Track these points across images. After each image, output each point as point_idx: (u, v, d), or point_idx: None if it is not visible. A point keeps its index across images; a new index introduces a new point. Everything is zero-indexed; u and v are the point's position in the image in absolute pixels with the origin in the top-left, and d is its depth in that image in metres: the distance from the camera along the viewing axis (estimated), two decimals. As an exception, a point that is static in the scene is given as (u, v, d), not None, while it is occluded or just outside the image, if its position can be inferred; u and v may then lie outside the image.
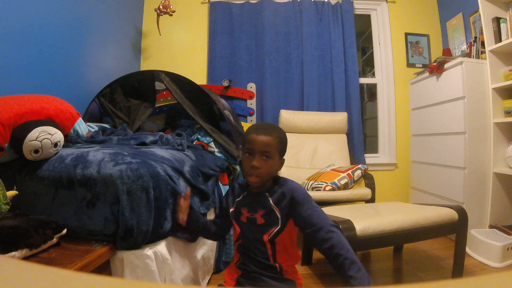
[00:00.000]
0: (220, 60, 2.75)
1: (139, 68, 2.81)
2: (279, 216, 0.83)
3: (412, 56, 2.87)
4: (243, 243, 0.90)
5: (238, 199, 0.91)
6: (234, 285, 0.90)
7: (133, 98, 2.14)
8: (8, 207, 0.85)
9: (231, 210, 0.92)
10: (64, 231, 0.92)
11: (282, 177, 0.91)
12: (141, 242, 0.95)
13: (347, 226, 1.17)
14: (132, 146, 1.34)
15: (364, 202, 2.01)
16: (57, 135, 1.05)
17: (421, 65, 2.83)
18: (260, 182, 0.84)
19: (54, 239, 0.88)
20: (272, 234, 0.83)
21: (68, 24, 1.81)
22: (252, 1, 2.80)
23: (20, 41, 1.44)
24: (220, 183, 1.66)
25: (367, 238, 1.17)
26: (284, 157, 0.89)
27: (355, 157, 2.66)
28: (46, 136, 1.00)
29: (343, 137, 2.60)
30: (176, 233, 1.08)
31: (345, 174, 2.04)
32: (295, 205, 0.82)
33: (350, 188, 2.03)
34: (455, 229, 1.38)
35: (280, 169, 0.88)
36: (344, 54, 2.73)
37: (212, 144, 1.84)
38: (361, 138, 2.72)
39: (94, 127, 1.66)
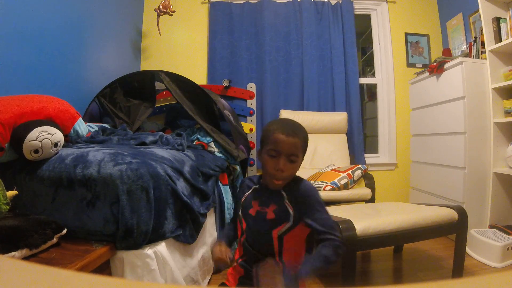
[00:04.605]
0: (220, 60, 2.74)
1: (139, 68, 2.81)
2: (292, 213, 0.82)
3: (412, 56, 2.87)
4: (248, 238, 0.88)
5: (248, 192, 0.90)
6: (236, 285, 0.89)
7: (133, 98, 2.14)
8: (8, 207, 0.85)
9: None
10: (64, 231, 0.92)
11: (298, 176, 0.89)
12: (141, 242, 0.95)
13: (347, 226, 1.17)
14: (132, 146, 1.34)
15: (364, 202, 2.01)
16: (57, 135, 1.05)
17: (421, 65, 2.83)
18: (284, 184, 0.84)
19: (54, 239, 0.88)
20: (282, 231, 0.82)
21: (68, 24, 1.81)
22: (252, 1, 2.80)
23: (20, 41, 1.44)
24: (220, 183, 1.67)
25: (367, 238, 1.17)
26: None
27: (355, 157, 2.66)
28: (46, 136, 1.00)
29: (343, 137, 2.60)
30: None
31: (345, 174, 2.04)
32: (307, 206, 0.82)
33: (350, 188, 2.03)
34: (455, 229, 1.38)
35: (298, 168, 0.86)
36: (344, 54, 2.73)
37: (212, 144, 1.84)
38: (361, 138, 2.72)
39: (94, 127, 1.66)
